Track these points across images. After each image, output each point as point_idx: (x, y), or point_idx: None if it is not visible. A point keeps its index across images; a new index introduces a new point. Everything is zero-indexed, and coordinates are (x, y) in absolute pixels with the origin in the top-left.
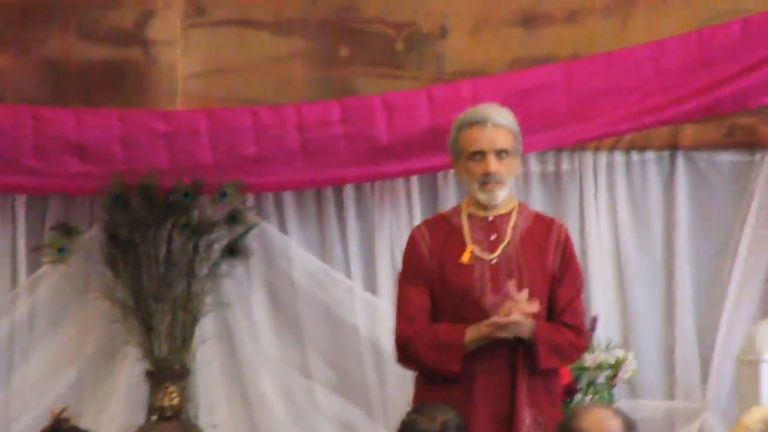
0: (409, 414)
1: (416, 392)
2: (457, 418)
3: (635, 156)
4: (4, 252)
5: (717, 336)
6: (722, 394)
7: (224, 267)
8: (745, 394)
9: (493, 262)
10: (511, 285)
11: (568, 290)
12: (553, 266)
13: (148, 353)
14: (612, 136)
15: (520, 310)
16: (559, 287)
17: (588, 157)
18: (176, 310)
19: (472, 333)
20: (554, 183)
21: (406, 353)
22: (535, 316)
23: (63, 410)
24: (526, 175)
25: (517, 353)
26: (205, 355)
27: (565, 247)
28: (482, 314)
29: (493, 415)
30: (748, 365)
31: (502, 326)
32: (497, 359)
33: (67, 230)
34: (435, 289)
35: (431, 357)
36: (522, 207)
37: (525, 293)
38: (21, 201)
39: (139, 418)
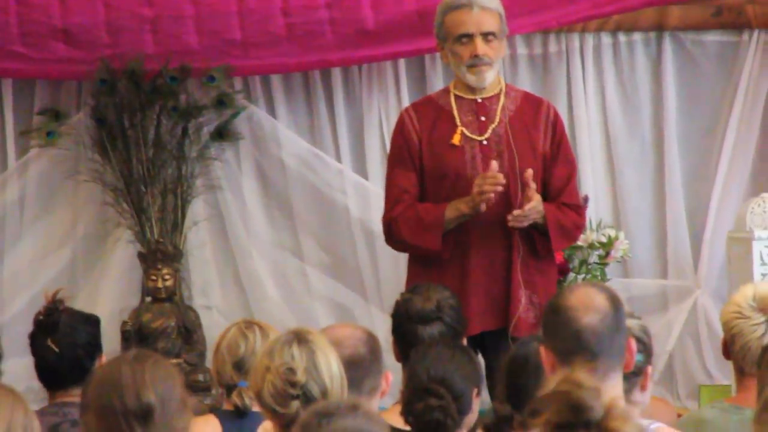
0: (403, 294)
1: (410, 275)
2: (452, 298)
3: (622, 37)
4: None
5: (708, 215)
6: (714, 272)
7: (214, 150)
8: (736, 271)
9: (483, 142)
10: (494, 165)
11: (564, 170)
12: (543, 145)
13: (140, 236)
14: (598, 18)
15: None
16: (554, 167)
17: (575, 38)
18: (166, 193)
19: (451, 211)
20: (542, 65)
21: (390, 234)
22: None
23: (57, 292)
24: (513, 58)
25: (512, 234)
26: (197, 238)
27: (555, 126)
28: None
29: (489, 295)
30: (738, 243)
31: (521, 216)
32: (492, 240)
33: (55, 114)
34: (426, 172)
35: (412, 236)
36: (510, 88)
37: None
38: (8, 85)
39: (134, 300)
